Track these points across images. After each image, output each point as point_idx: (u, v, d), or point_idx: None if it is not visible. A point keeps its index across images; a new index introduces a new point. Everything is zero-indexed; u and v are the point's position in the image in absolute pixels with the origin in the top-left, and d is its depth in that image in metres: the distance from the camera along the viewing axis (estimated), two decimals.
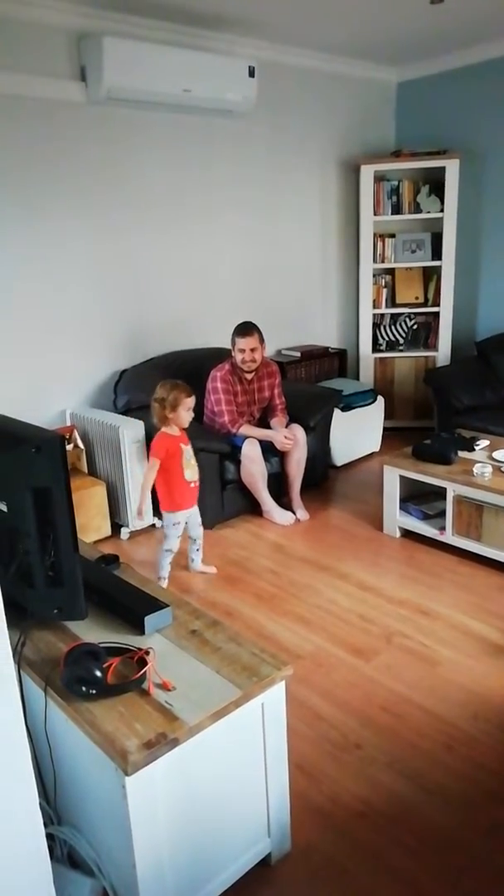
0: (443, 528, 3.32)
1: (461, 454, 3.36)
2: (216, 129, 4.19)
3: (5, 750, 1.15)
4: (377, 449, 4.71)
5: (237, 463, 3.59)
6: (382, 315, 5.07)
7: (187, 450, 2.98)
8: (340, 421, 4.28)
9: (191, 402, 2.94)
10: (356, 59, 4.69)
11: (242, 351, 3.64)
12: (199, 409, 3.80)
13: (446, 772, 2.00)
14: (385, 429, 4.79)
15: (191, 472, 2.99)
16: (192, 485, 3.02)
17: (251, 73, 3.87)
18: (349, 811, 1.88)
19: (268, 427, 3.77)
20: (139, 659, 1.57)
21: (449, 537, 3.29)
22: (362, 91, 4.94)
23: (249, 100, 3.94)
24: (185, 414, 2.93)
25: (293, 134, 4.61)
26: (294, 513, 3.76)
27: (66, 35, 3.46)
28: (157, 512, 3.68)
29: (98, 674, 1.45)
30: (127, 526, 3.62)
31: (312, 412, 3.96)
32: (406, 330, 5.05)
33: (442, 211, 4.73)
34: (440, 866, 1.71)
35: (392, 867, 1.72)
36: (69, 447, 3.60)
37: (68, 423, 3.80)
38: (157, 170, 3.99)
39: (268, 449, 3.66)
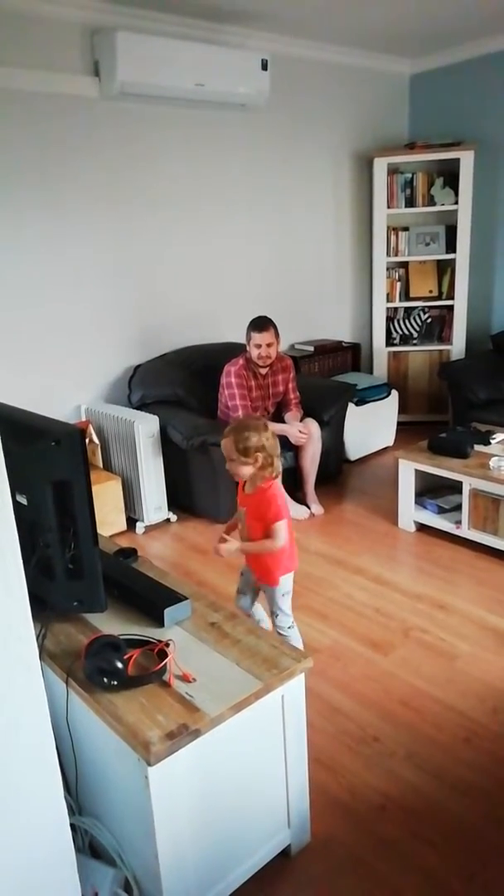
0: (459, 522, 3.30)
1: (477, 448, 3.34)
2: (229, 123, 4.18)
3: (32, 741, 1.15)
4: (391, 443, 4.69)
5: None
6: (396, 309, 5.04)
7: (240, 512, 2.30)
8: (354, 415, 4.27)
9: (225, 444, 2.19)
10: (369, 51, 4.65)
11: (258, 346, 3.62)
12: (213, 405, 3.82)
13: (466, 766, 2.00)
14: (399, 423, 4.77)
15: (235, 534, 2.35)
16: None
17: (264, 67, 3.86)
18: (368, 804, 1.88)
19: (282, 421, 3.77)
20: (159, 651, 1.58)
21: (465, 531, 3.27)
22: (375, 83, 4.90)
23: (262, 93, 3.92)
24: (229, 464, 2.22)
25: (306, 127, 4.59)
26: (309, 507, 3.76)
27: (80, 30, 3.46)
28: (171, 506, 3.70)
29: (119, 665, 1.46)
30: (142, 520, 3.63)
31: (326, 406, 3.94)
32: (420, 323, 5.02)
33: (456, 203, 4.69)
34: (460, 860, 1.71)
35: (411, 860, 1.71)
36: None
37: (83, 419, 3.81)
38: (170, 164, 3.98)
39: (282, 443, 3.64)
